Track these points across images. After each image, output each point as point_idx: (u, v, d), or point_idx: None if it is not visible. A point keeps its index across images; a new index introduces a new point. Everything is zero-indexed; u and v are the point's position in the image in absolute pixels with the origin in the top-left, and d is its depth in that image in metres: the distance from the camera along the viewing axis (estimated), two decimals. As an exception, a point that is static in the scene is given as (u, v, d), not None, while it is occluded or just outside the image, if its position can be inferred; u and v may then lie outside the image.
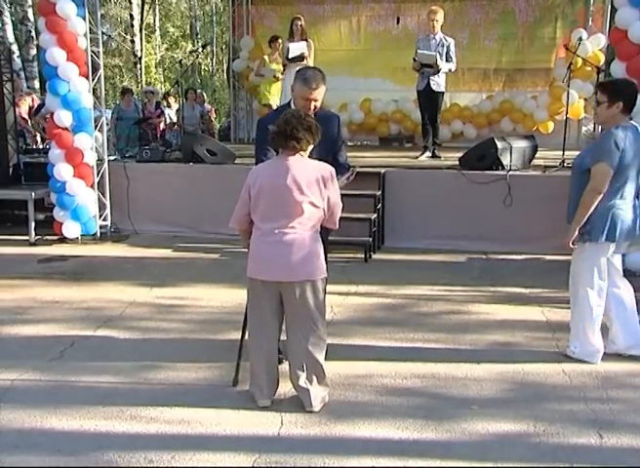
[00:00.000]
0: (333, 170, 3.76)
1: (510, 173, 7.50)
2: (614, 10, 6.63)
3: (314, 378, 3.85)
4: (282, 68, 9.60)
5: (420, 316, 5.48)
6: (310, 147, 3.71)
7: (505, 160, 7.65)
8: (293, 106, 4.14)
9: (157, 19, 29.04)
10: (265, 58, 10.20)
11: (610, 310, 4.65)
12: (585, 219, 4.35)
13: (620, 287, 4.64)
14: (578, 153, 4.68)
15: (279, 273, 3.69)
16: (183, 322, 5.40)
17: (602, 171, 4.26)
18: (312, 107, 4.07)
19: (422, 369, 4.46)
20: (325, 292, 3.90)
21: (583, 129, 10.71)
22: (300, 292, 3.71)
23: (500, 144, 7.67)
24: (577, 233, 4.38)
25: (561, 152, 8.17)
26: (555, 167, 7.87)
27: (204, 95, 13.05)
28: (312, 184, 3.63)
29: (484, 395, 4.11)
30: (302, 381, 3.83)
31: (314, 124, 3.67)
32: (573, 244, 4.44)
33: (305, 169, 3.65)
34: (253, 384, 3.95)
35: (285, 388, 3.98)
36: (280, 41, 9.37)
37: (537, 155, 8.25)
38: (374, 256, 7.33)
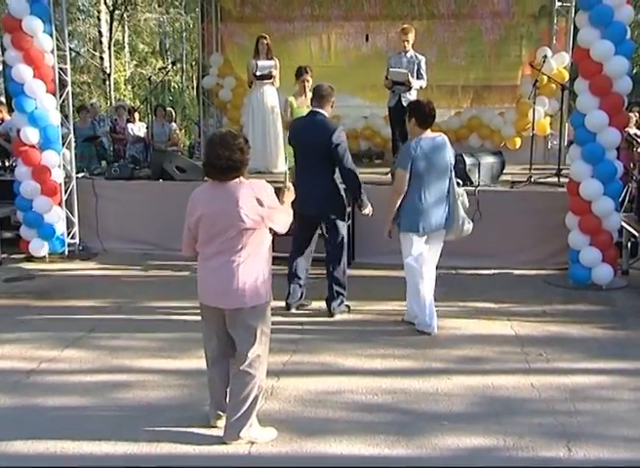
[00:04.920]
0: (269, 187, 3.69)
1: (479, 188, 7.58)
2: (576, 29, 6.77)
3: (238, 411, 3.69)
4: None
5: (390, 332, 5.50)
6: (246, 168, 3.63)
7: (474, 176, 7.74)
8: (325, 114, 5.61)
9: (126, 35, 28.90)
10: (292, 100, 8.20)
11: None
12: (399, 214, 5.36)
13: (426, 270, 5.45)
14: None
15: (217, 299, 3.66)
16: (153, 340, 5.35)
17: (398, 175, 5.30)
18: None
19: (393, 384, 4.48)
20: (265, 318, 3.75)
21: (549, 144, 10.86)
22: (240, 319, 3.65)
23: (468, 160, 7.76)
24: (390, 226, 5.43)
25: (528, 168, 8.29)
26: (523, 182, 7.97)
27: (173, 112, 12.98)
28: (248, 208, 3.54)
29: (454, 410, 4.13)
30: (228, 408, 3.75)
31: (243, 144, 3.58)
32: (390, 235, 5.48)
33: (241, 193, 3.56)
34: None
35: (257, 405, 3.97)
36: (310, 73, 8.09)
37: (504, 171, 8.35)
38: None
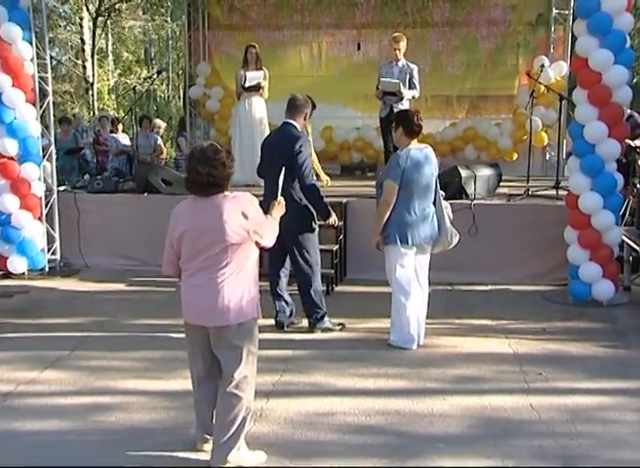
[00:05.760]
0: (255, 200, 3.70)
1: (475, 201, 7.62)
2: (574, 38, 6.81)
3: (226, 434, 3.67)
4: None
5: (383, 350, 5.49)
6: (229, 182, 3.64)
7: (470, 189, 7.78)
8: (296, 124, 5.66)
9: (110, 43, 28.94)
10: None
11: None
12: (385, 226, 5.39)
13: (417, 286, 5.52)
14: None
15: (201, 317, 3.65)
16: (137, 360, 5.33)
17: (388, 186, 5.32)
18: None
19: (387, 405, 4.47)
20: (251, 336, 3.74)
21: (547, 156, 10.92)
22: (225, 337, 3.64)
23: (463, 173, 7.80)
24: (378, 237, 5.48)
25: (525, 180, 8.33)
26: (520, 195, 8.02)
27: (161, 124, 12.98)
28: (234, 222, 3.55)
29: (450, 432, 4.13)
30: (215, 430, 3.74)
31: (225, 158, 3.58)
32: (378, 247, 5.54)
33: (226, 207, 3.57)
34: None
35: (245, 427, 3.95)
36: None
37: (501, 183, 8.40)
38: (336, 289, 7.34)
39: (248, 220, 3.59)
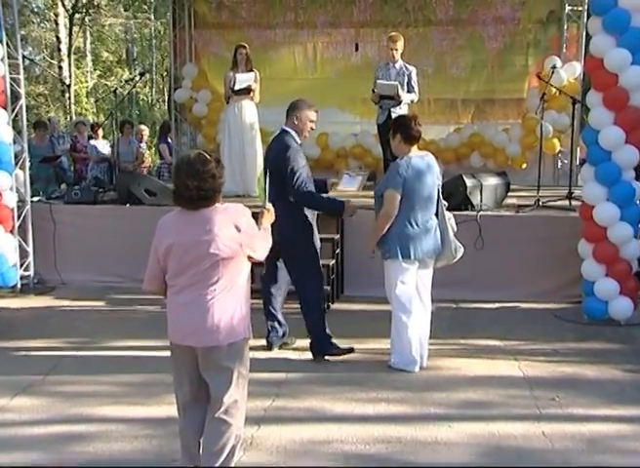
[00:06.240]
0: (247, 211, 3.73)
1: (481, 213, 7.65)
2: (589, 36, 6.83)
3: (214, 463, 3.69)
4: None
5: (383, 373, 5.50)
6: (220, 194, 3.66)
7: (475, 199, 7.80)
8: (291, 131, 5.65)
9: (88, 42, 28.94)
10: None
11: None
12: (385, 240, 5.41)
13: (419, 303, 5.53)
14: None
15: (189, 336, 3.65)
16: (117, 385, 5.32)
17: (389, 197, 5.34)
18: (312, 128, 5.75)
19: (387, 432, 4.47)
20: (242, 358, 3.75)
21: (559, 164, 10.95)
22: (214, 359, 3.64)
23: (469, 182, 7.82)
24: (374, 246, 5.52)
25: (536, 190, 8.36)
26: (530, 206, 8.04)
27: (144, 131, 13.02)
28: (225, 235, 3.56)
29: (456, 461, 4.13)
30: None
31: (215, 169, 3.59)
32: (373, 253, 5.58)
33: (216, 219, 3.59)
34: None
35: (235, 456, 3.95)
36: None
37: (509, 193, 8.43)
38: (332, 307, 7.35)
39: (240, 233, 3.61)
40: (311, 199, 5.75)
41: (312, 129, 5.83)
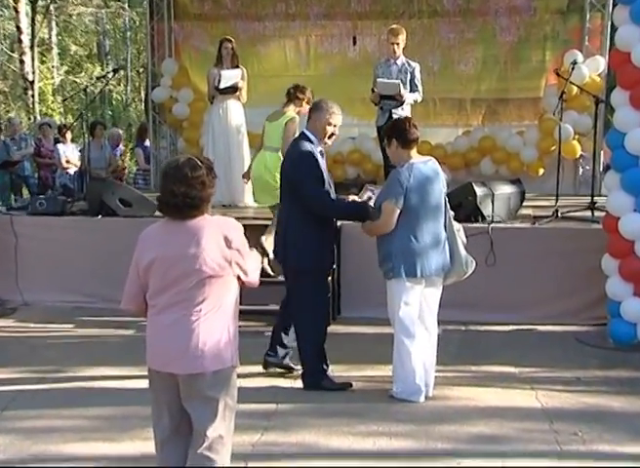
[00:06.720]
0: (239, 226, 3.76)
1: (493, 225, 7.67)
2: (614, 28, 6.83)
3: None
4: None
5: (384, 404, 5.50)
6: (210, 204, 3.69)
7: (486, 210, 7.82)
8: (310, 134, 5.65)
9: (54, 33, 28.74)
10: None
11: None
12: (388, 257, 5.43)
13: (424, 327, 5.56)
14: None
15: (170, 362, 3.65)
16: (85, 419, 5.31)
17: (387, 210, 5.36)
18: (333, 134, 5.69)
19: (389, 471, 4.48)
20: (229, 387, 3.75)
21: (580, 170, 10.97)
22: (197, 387, 3.64)
23: (479, 191, 7.84)
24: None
25: (554, 199, 8.38)
26: (547, 217, 8.07)
27: (119, 133, 13.06)
28: (213, 250, 3.59)
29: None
30: None
31: (205, 176, 3.62)
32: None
33: (205, 232, 3.61)
34: None
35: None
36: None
37: (524, 203, 8.44)
38: (328, 329, 7.33)
39: (231, 250, 3.63)
40: (333, 211, 5.78)
41: (334, 134, 5.78)
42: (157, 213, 7.70)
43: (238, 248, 3.67)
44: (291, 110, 7.54)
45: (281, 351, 6.07)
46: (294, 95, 7.51)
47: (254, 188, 8.18)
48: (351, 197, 5.99)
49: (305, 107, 7.18)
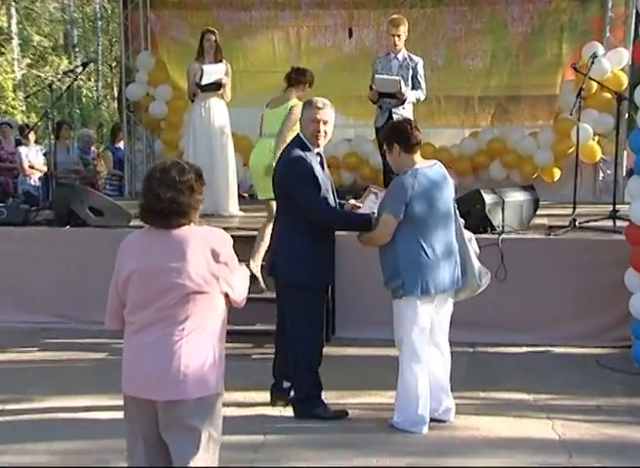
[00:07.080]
0: (229, 238, 3.77)
1: (503, 236, 7.68)
2: (639, 16, 6.81)
3: None
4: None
5: (384, 434, 5.51)
6: (197, 213, 3.72)
7: (496, 219, 7.83)
8: (303, 137, 5.63)
9: (14, 21, 28.58)
10: None
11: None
12: (396, 273, 5.39)
13: (434, 349, 5.60)
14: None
15: (148, 387, 3.64)
16: (53, 453, 5.28)
17: (385, 221, 5.38)
18: (323, 132, 5.59)
19: (389, 509, 4.49)
20: (213, 416, 3.75)
21: (600, 175, 11.00)
22: (178, 416, 3.64)
23: (488, 198, 7.84)
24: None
25: (571, 207, 8.41)
26: (564, 227, 8.08)
27: (90, 135, 13.08)
28: (199, 264, 3.60)
29: None
30: None
31: (193, 181, 3.65)
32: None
33: (190, 243, 3.63)
34: None
35: None
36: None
37: (538, 212, 8.45)
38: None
39: (218, 264, 3.65)
40: (327, 215, 5.72)
41: (319, 132, 5.64)
42: (132, 222, 7.76)
43: (226, 261, 3.69)
44: (294, 96, 7.63)
45: (286, 383, 6.01)
46: (295, 78, 7.61)
47: (255, 181, 8.18)
48: (352, 201, 6.01)
49: (308, 91, 7.40)
